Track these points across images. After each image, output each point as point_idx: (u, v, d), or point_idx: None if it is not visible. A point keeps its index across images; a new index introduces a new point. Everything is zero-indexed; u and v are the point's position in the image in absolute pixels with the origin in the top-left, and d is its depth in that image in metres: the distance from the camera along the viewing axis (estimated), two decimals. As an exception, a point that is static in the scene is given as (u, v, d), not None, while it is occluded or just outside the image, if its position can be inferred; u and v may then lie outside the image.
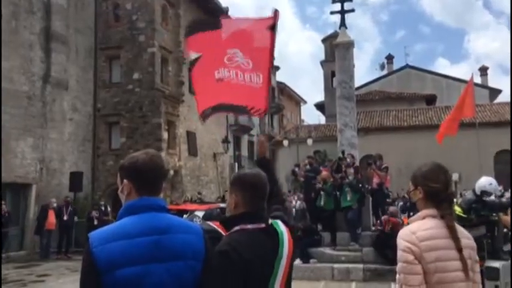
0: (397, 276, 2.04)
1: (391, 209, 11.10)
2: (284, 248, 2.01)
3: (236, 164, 29.74)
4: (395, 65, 44.09)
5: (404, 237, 2.06)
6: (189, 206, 16.85)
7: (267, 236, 2.01)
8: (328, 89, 38.69)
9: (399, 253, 2.05)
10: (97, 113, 20.99)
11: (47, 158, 18.11)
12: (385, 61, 45.84)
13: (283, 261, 1.99)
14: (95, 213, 16.60)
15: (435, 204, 2.12)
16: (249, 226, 1.99)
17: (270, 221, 2.09)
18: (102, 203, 18.09)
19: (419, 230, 2.06)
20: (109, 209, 17.77)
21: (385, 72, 44.24)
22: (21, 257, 15.91)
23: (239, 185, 2.07)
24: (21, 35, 17.35)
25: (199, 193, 21.45)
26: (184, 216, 12.41)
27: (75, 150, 19.79)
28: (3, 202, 15.22)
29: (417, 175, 2.22)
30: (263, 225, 2.03)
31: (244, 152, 34.42)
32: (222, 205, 13.68)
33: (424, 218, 2.12)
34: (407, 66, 41.71)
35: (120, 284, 1.65)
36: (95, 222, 15.68)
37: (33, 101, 17.64)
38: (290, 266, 2.06)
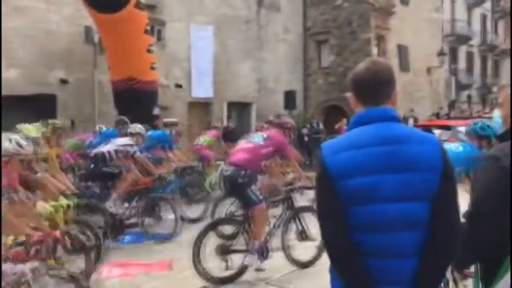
0: None
1: None
2: None
3: (453, 78, 27.40)
4: None
5: None
6: (448, 122, 16.07)
7: None
8: None
9: None
10: (307, 32, 21.43)
11: (264, 78, 19.50)
12: None
13: None
14: (305, 131, 17.42)
15: None
16: None
17: None
18: (315, 120, 18.89)
19: None
20: (321, 126, 18.47)
21: None
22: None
23: None
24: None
25: (412, 110, 20.54)
26: (447, 131, 11.86)
27: (288, 70, 20.78)
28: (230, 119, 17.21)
29: None
30: None
31: (462, 64, 31.31)
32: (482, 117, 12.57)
33: None
34: None
35: (352, 192, 1.68)
36: (305, 139, 16.42)
37: (251, 24, 18.91)
38: None
